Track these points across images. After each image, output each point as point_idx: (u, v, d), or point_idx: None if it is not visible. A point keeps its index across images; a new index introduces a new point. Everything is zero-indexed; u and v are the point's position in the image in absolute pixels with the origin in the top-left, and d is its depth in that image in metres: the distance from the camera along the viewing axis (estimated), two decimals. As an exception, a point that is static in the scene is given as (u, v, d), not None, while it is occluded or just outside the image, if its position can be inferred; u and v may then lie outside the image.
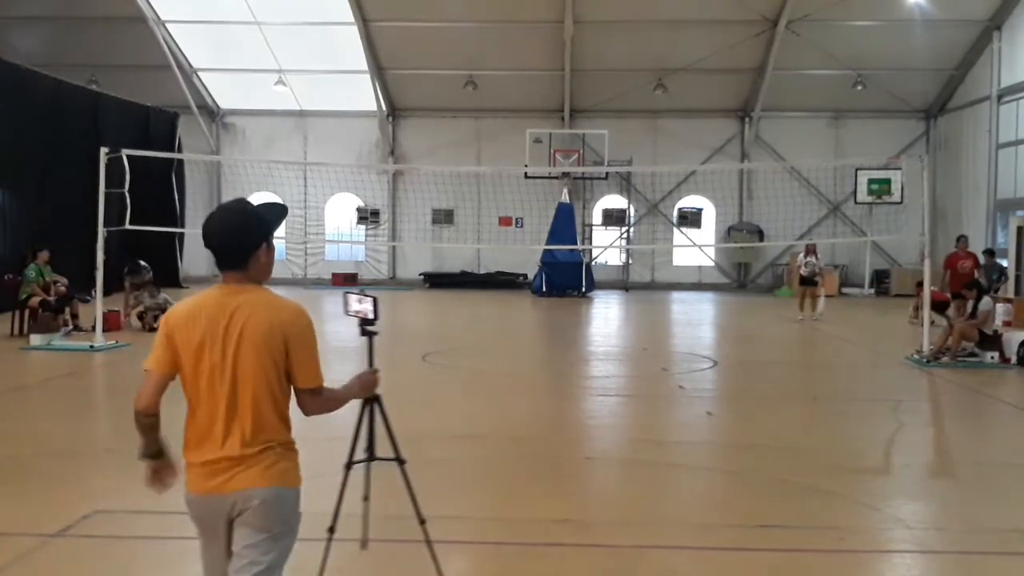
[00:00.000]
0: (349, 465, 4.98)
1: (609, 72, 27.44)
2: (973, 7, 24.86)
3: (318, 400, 3.63)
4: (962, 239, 18.50)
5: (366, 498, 5.14)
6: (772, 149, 28.68)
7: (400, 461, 4.95)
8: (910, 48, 25.70)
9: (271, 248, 3.57)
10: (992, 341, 13.74)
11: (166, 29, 27.01)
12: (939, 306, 18.39)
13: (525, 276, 28.39)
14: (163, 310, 16.49)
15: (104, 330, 14.77)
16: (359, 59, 27.00)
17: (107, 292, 15.58)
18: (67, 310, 15.79)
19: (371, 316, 4.75)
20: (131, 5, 25.29)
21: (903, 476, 8.04)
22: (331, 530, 4.92)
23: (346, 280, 29.00)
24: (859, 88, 26.87)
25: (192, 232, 27.79)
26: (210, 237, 3.50)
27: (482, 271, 29.39)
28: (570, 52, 26.38)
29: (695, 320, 21.74)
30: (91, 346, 14.10)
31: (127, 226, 15.28)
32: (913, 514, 6.81)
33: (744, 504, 6.91)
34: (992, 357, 13.62)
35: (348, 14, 25.52)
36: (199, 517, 3.71)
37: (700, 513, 6.84)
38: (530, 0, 25.38)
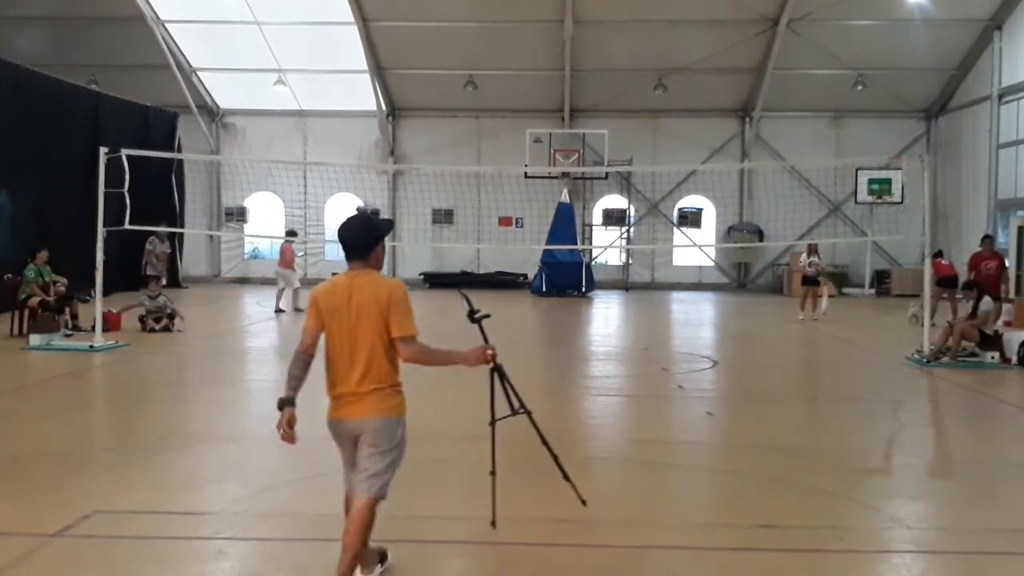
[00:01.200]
0: (493, 423, 5.85)
1: (609, 72, 27.45)
2: (973, 7, 24.86)
3: (412, 347, 4.88)
4: (987, 239, 17.98)
5: (492, 473, 5.84)
6: (772, 149, 28.67)
7: (528, 412, 5.88)
8: (910, 48, 25.70)
9: (383, 248, 4.97)
10: (992, 341, 13.74)
11: (166, 29, 27.01)
12: (948, 281, 18.44)
13: (525, 276, 28.39)
14: (163, 312, 16.49)
15: (104, 330, 14.76)
16: (359, 59, 27.00)
17: (107, 292, 15.57)
18: (67, 310, 15.80)
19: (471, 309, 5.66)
20: (131, 5, 25.29)
21: (903, 476, 8.04)
22: (492, 473, 5.85)
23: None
24: (859, 88, 26.86)
25: (192, 232, 27.87)
26: (345, 236, 4.93)
27: (482, 271, 29.39)
28: (570, 52, 26.38)
29: (695, 320, 21.74)
30: (91, 346, 14.10)
31: (127, 226, 15.26)
32: (913, 514, 6.81)
33: (744, 504, 6.91)
34: (992, 357, 13.62)
35: (348, 14, 25.52)
36: (335, 434, 5.08)
37: (700, 513, 6.83)
38: (530, 0, 25.38)
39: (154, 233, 17.70)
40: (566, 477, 5.94)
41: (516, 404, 5.80)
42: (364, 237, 4.95)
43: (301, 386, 5.11)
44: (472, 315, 5.61)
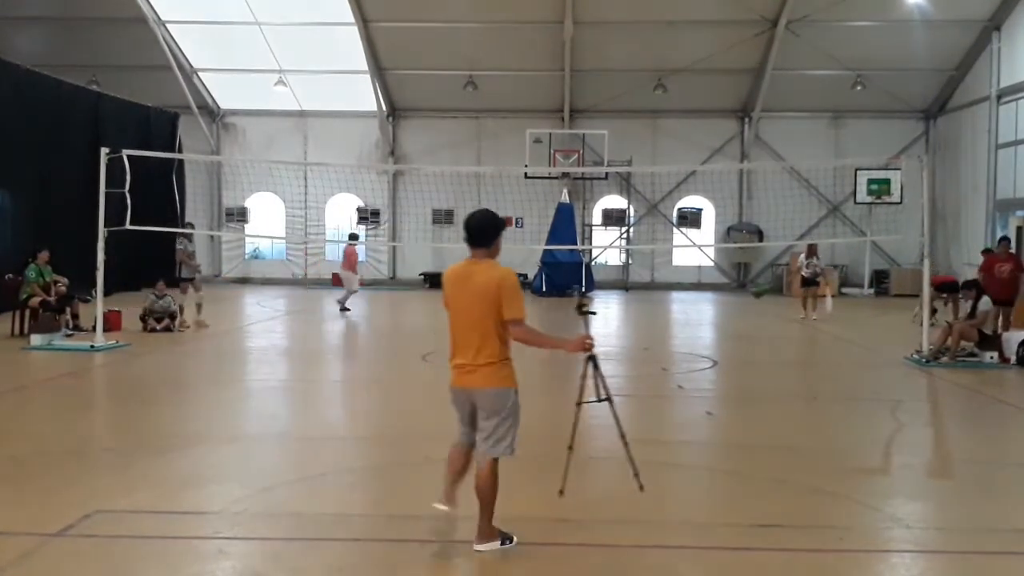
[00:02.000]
0: (579, 404, 6.52)
1: (609, 72, 27.46)
2: (972, 7, 24.87)
3: (520, 329, 5.50)
4: (1004, 241, 16.98)
5: (571, 447, 6.50)
6: (772, 149, 28.68)
7: (609, 400, 6.49)
8: (910, 48, 25.70)
9: (498, 243, 5.70)
10: (991, 341, 13.75)
11: (166, 29, 27.01)
12: (947, 287, 18.28)
13: (525, 276, 28.36)
14: (168, 313, 16.49)
15: (104, 330, 14.77)
16: (359, 59, 27.01)
17: (107, 292, 15.59)
18: (68, 310, 15.81)
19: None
20: (131, 5, 25.29)
21: (903, 476, 8.05)
22: (570, 448, 6.48)
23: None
24: (859, 88, 26.87)
25: (192, 233, 27.84)
26: (471, 227, 5.78)
27: (482, 271, 29.35)
28: (570, 52, 26.38)
29: (695, 320, 21.75)
30: (91, 346, 14.11)
31: (127, 226, 15.27)
32: (913, 514, 6.82)
33: (744, 504, 6.92)
34: (991, 357, 13.63)
35: (348, 14, 25.53)
36: (454, 401, 5.74)
37: (700, 513, 6.84)
38: (530, 0, 25.39)
39: (182, 234, 17.94)
40: (633, 468, 6.42)
41: (603, 393, 6.42)
42: (489, 228, 5.70)
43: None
44: (580, 308, 6.19)
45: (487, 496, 5.64)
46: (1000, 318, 14.54)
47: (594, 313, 6.26)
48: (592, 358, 6.24)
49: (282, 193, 29.88)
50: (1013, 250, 18.40)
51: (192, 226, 19.64)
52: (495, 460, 5.61)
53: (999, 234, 24.39)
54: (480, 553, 5.70)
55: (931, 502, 7.23)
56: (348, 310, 21.02)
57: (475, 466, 5.70)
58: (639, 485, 6.30)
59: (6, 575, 5.29)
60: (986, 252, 19.87)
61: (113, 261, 15.14)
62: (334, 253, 30.55)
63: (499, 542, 5.76)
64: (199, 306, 17.26)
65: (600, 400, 6.45)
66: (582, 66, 27.15)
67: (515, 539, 5.79)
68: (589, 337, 5.85)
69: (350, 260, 21.91)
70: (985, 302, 14.04)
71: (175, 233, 18.57)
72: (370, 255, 30.64)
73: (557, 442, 8.84)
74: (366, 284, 29.14)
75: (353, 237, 23.86)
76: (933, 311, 15.97)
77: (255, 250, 31.32)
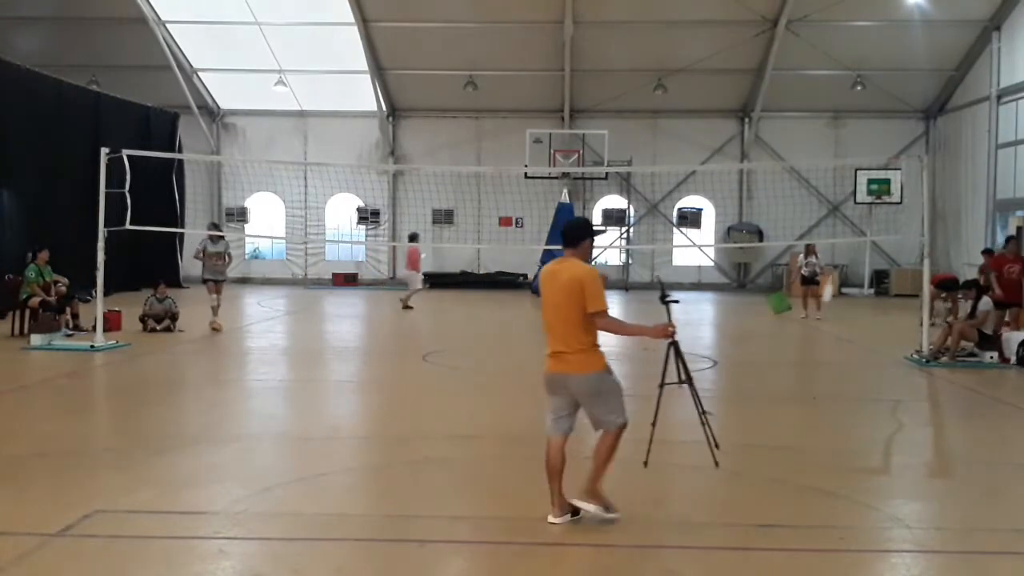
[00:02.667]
0: (661, 385, 7.31)
1: (609, 72, 27.45)
2: (972, 7, 24.87)
3: (603, 320, 6.08)
4: (1012, 240, 16.24)
5: (703, 416, 7.22)
6: (772, 149, 28.69)
7: (690, 382, 7.23)
8: (910, 48, 25.70)
9: (592, 244, 6.32)
10: (991, 341, 13.75)
11: (166, 29, 27.01)
12: (947, 285, 18.19)
13: (525, 276, 28.38)
14: (168, 315, 16.48)
15: (104, 330, 14.77)
16: (359, 59, 27.01)
17: (107, 292, 15.58)
18: (67, 310, 15.81)
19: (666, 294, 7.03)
20: (132, 5, 25.29)
21: (903, 476, 8.05)
22: (653, 424, 7.14)
23: (346, 280, 29.01)
24: (859, 88, 26.87)
25: (192, 232, 27.86)
26: (564, 230, 6.26)
27: (482, 271, 29.40)
28: (570, 52, 26.39)
29: (695, 320, 21.72)
30: (91, 346, 14.11)
31: (127, 226, 15.27)
32: (913, 514, 6.82)
33: (744, 504, 6.92)
34: (991, 357, 13.63)
35: (348, 14, 25.53)
36: (547, 385, 6.27)
37: (700, 513, 6.84)
38: (530, 0, 25.39)
39: (209, 235, 17.55)
40: (711, 446, 7.15)
41: (683, 376, 7.16)
42: (576, 232, 6.27)
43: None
44: (663, 298, 6.88)
45: (602, 459, 6.15)
46: (1006, 319, 14.43)
47: (676, 301, 6.93)
48: (674, 344, 7.00)
49: (282, 193, 29.89)
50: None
51: (217, 227, 18.87)
52: (618, 430, 6.15)
53: (999, 234, 24.40)
54: (578, 506, 6.12)
55: (931, 502, 7.23)
56: (411, 308, 21.30)
57: (599, 443, 6.22)
58: (715, 462, 7.14)
59: (6, 575, 5.28)
60: (986, 252, 19.86)
61: (113, 261, 15.13)
62: (334, 253, 30.60)
63: (604, 508, 6.15)
64: (213, 308, 16.78)
65: (681, 383, 7.18)
66: (582, 66, 27.15)
67: (618, 515, 6.18)
68: (671, 324, 6.55)
69: (412, 260, 22.15)
70: (985, 302, 14.03)
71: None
72: (370, 255, 30.65)
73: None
74: (366, 284, 29.21)
75: (413, 237, 23.82)
76: (943, 311, 15.97)
77: (255, 250, 31.32)
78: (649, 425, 7.03)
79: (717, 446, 7.16)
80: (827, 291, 20.35)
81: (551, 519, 6.12)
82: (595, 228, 6.45)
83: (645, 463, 7.03)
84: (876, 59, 26.28)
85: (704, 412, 7.20)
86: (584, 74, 27.52)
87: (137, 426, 9.46)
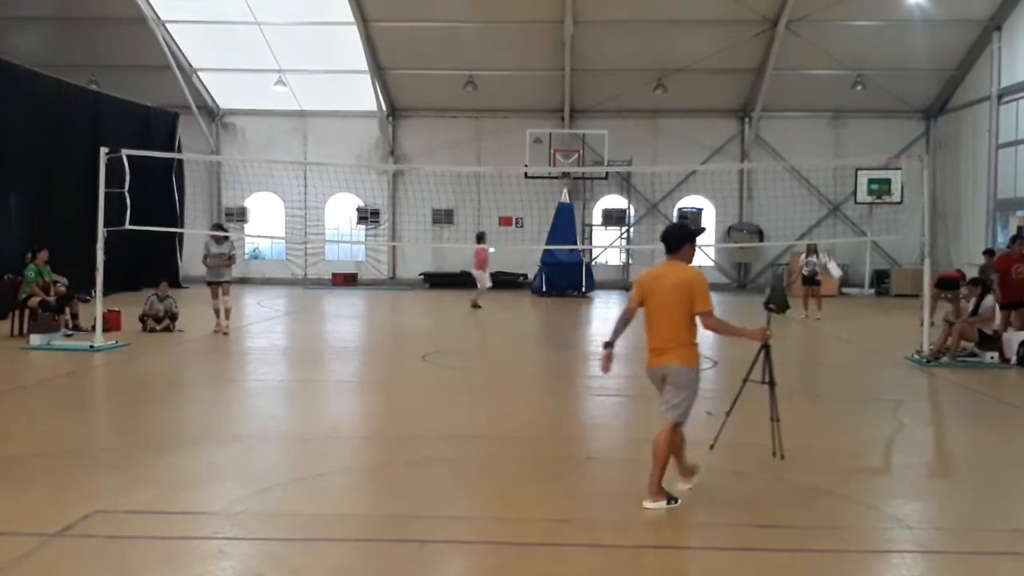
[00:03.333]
0: (745, 380, 8.07)
1: (609, 72, 27.45)
2: (973, 7, 24.87)
3: (709, 320, 6.54)
4: (1018, 240, 15.83)
5: (775, 420, 7.88)
6: (772, 149, 28.69)
7: (772, 384, 7.88)
8: (910, 48, 25.71)
9: (693, 246, 6.73)
10: (992, 341, 13.74)
11: (166, 29, 27.01)
12: (948, 283, 18.13)
13: (525, 276, 28.39)
14: (169, 315, 16.47)
15: (104, 330, 14.77)
16: (359, 59, 27.01)
17: (107, 292, 15.57)
18: (67, 310, 15.80)
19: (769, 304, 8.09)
20: (131, 5, 25.30)
21: (903, 476, 8.05)
22: (727, 413, 8.09)
23: (346, 280, 29.00)
24: (859, 88, 26.88)
25: (192, 232, 27.87)
26: (664, 237, 6.77)
27: (482, 271, 29.37)
28: (570, 52, 26.39)
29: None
30: (91, 346, 14.11)
31: (127, 226, 15.26)
32: (913, 514, 6.82)
33: (744, 504, 6.91)
34: (992, 357, 13.62)
35: (348, 14, 25.53)
36: (650, 377, 6.80)
37: (700, 513, 6.83)
38: (530, 0, 25.39)
39: (211, 235, 16.98)
40: (777, 445, 7.81)
41: (768, 378, 7.86)
42: (676, 238, 6.73)
43: (619, 336, 6.98)
44: (767, 304, 8.01)
45: (661, 455, 6.56)
46: (1012, 320, 14.38)
47: (779, 312, 8.11)
48: (766, 347, 7.77)
49: (282, 193, 29.89)
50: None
51: (221, 227, 17.86)
52: (674, 425, 6.59)
53: (999, 234, 24.41)
54: (648, 510, 6.50)
55: (931, 502, 7.22)
56: (479, 307, 21.45)
57: (658, 433, 6.62)
58: (781, 455, 7.74)
59: (6, 575, 5.28)
60: (987, 253, 19.86)
61: (112, 261, 15.12)
62: (334, 253, 30.60)
63: (665, 501, 6.57)
64: (224, 311, 16.33)
65: (764, 383, 7.90)
66: (582, 66, 27.15)
67: (679, 500, 6.65)
68: (768, 330, 7.32)
69: (480, 259, 22.36)
70: (989, 300, 14.01)
71: (210, 234, 17.50)
72: (370, 255, 30.64)
73: (555, 445, 8.87)
74: (366, 284, 29.20)
75: (480, 237, 23.71)
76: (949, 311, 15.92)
77: (255, 250, 31.34)
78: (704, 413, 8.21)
79: (782, 455, 7.79)
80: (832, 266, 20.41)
81: (681, 487, 6.84)
82: (693, 230, 6.91)
83: (711, 446, 7.91)
84: (876, 59, 26.28)
85: (777, 419, 7.83)
86: (584, 74, 27.52)
87: (137, 426, 9.46)
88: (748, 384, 8.06)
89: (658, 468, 6.55)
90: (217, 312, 16.33)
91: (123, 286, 21.73)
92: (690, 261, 6.74)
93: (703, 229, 7.03)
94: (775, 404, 7.78)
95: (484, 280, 22.20)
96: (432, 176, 28.32)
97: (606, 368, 7.09)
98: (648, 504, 6.52)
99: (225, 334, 16.14)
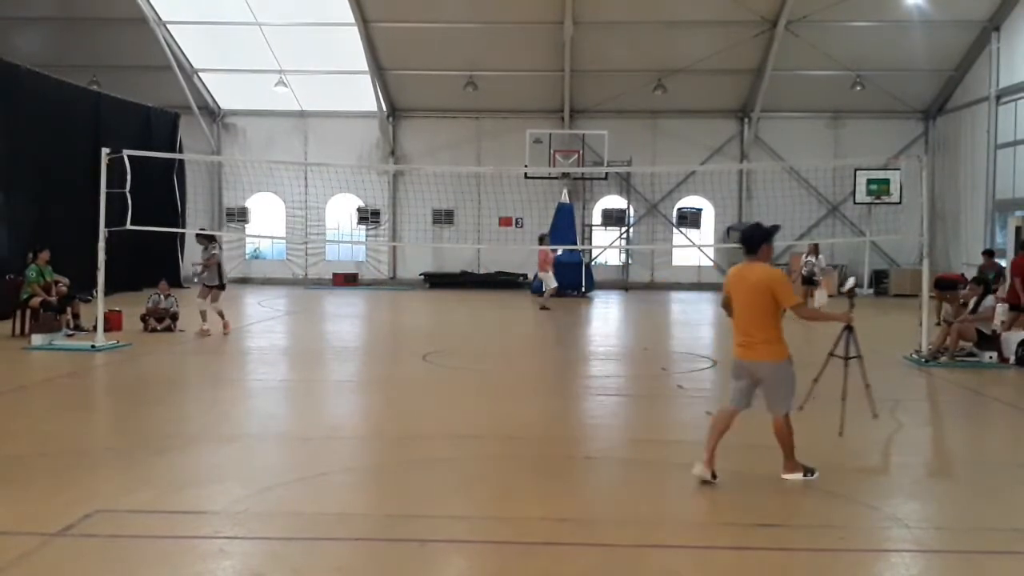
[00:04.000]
0: (830, 355, 9.17)
1: (609, 72, 27.47)
2: (971, 8, 24.88)
3: (800, 310, 7.29)
4: None
5: (868, 385, 9.03)
6: (771, 149, 28.71)
7: (860, 359, 9.03)
8: (909, 49, 25.72)
9: (770, 247, 7.17)
10: (990, 341, 13.76)
11: (167, 30, 27.02)
12: (945, 284, 18.13)
13: (525, 276, 28.41)
14: (169, 314, 16.48)
15: (105, 330, 14.78)
16: (359, 59, 27.02)
17: (108, 292, 15.59)
18: (68, 310, 15.82)
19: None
20: (132, 6, 25.31)
21: (902, 476, 8.06)
22: (843, 399, 8.85)
23: (346, 280, 29.02)
24: (858, 89, 26.89)
25: (193, 232, 27.88)
26: (742, 238, 7.23)
27: (482, 271, 29.42)
28: (570, 52, 26.40)
29: (695, 320, 21.76)
30: (92, 346, 14.13)
31: (128, 226, 15.28)
32: (912, 513, 6.83)
33: (744, 504, 6.93)
34: (991, 357, 13.64)
35: (348, 14, 25.54)
36: (734, 369, 7.28)
37: (700, 513, 6.86)
38: (530, 0, 25.40)
39: (203, 238, 16.81)
40: (872, 406, 9.08)
41: (856, 352, 8.96)
42: (753, 239, 7.15)
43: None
44: (851, 292, 9.15)
45: (784, 440, 7.20)
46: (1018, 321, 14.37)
47: (856, 293, 9.32)
48: (850, 328, 8.89)
49: (282, 193, 29.90)
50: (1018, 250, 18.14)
51: (211, 239, 17.11)
52: (785, 415, 7.15)
53: (998, 234, 24.43)
54: (785, 481, 7.17)
55: (931, 502, 7.24)
56: (548, 309, 21.64)
57: (774, 427, 7.24)
58: (875, 415, 9.06)
59: (7, 575, 5.30)
60: (987, 253, 19.88)
61: (114, 261, 15.13)
62: (334, 253, 30.61)
63: (802, 473, 7.21)
64: (206, 312, 16.29)
65: (849, 358, 8.97)
66: (582, 66, 27.16)
67: (817, 472, 7.23)
68: (851, 315, 8.47)
69: (544, 260, 22.57)
70: (989, 300, 14.03)
71: (200, 236, 17.31)
72: (370, 255, 30.66)
73: (555, 445, 8.88)
74: (366, 284, 29.21)
75: (543, 239, 23.85)
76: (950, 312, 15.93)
77: (255, 250, 31.36)
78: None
79: (876, 415, 9.23)
80: (819, 295, 20.25)
81: (696, 471, 7.13)
82: (768, 230, 7.30)
83: (840, 432, 8.65)
84: (876, 59, 26.30)
85: (867, 384, 9.01)
86: (584, 74, 27.53)
87: (137, 426, 9.48)
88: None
89: (787, 449, 7.20)
90: (202, 314, 16.28)
91: (124, 286, 21.74)
92: (768, 260, 7.19)
93: (778, 227, 7.53)
94: (865, 372, 9.01)
95: (550, 281, 22.41)
96: (432, 176, 28.34)
97: None
98: (785, 476, 7.21)
99: (206, 334, 16.03)
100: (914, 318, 19.07)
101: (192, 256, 28.46)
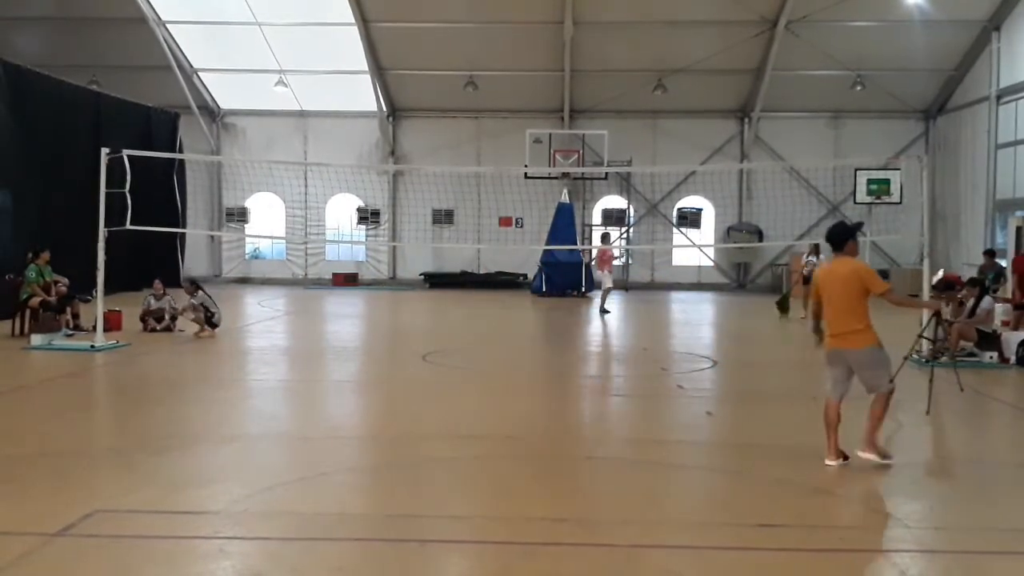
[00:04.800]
0: (920, 336, 11.14)
1: (609, 72, 27.46)
2: (972, 7, 24.87)
3: (892, 296, 7.97)
4: None
5: (906, 358, 10.53)
6: (771, 149, 28.70)
7: (946, 339, 10.76)
8: (909, 49, 25.70)
9: (855, 242, 7.84)
10: (991, 341, 13.75)
11: (167, 29, 27.01)
12: (940, 286, 18.06)
13: (525, 276, 28.40)
14: (167, 315, 16.48)
15: (105, 330, 14.78)
16: (359, 59, 27.01)
17: (108, 292, 15.59)
18: (68, 310, 15.82)
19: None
20: (132, 6, 25.30)
21: (903, 476, 8.05)
22: (905, 358, 10.47)
23: (346, 280, 29.02)
24: (858, 88, 26.88)
25: (193, 232, 27.89)
26: (829, 237, 7.91)
27: (482, 271, 29.41)
28: (570, 52, 26.39)
29: (694, 320, 21.77)
30: (92, 346, 14.12)
31: (128, 226, 15.27)
32: (912, 513, 6.83)
33: (744, 504, 6.93)
34: (991, 357, 13.63)
35: (348, 14, 25.53)
36: (829, 358, 7.88)
37: (700, 513, 6.86)
38: (530, 0, 25.39)
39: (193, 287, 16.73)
40: (958, 381, 10.61)
41: (944, 334, 10.68)
42: (839, 236, 7.85)
43: (819, 322, 7.99)
44: (939, 287, 10.03)
45: (877, 416, 7.75)
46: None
47: (947, 287, 11.43)
48: (938, 314, 10.68)
49: (282, 193, 29.90)
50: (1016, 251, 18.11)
51: (197, 287, 16.61)
52: (888, 393, 7.75)
53: (999, 234, 24.41)
54: (861, 458, 7.67)
55: (931, 502, 7.24)
56: (608, 312, 21.18)
57: (873, 402, 7.79)
58: (961, 388, 10.52)
59: (6, 575, 5.29)
60: (987, 253, 19.88)
61: (114, 261, 15.12)
62: (334, 253, 30.61)
63: (879, 457, 7.68)
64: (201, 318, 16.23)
65: (935, 340, 10.87)
66: (582, 66, 27.16)
67: (892, 459, 7.75)
68: (939, 303, 10.45)
69: (605, 259, 22.15)
70: (987, 301, 14.01)
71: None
72: (370, 255, 30.66)
73: (555, 445, 8.88)
74: (366, 284, 29.21)
75: (605, 238, 23.52)
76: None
77: (255, 250, 31.35)
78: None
79: (962, 388, 10.42)
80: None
81: (827, 462, 7.68)
82: (851, 227, 8.02)
83: (927, 411, 9.86)
84: (876, 59, 26.28)
85: (954, 358, 10.62)
86: (584, 74, 27.52)
87: (138, 426, 9.48)
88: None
89: (873, 427, 7.71)
90: (197, 320, 16.19)
91: (124, 286, 21.72)
92: (855, 255, 7.82)
93: (861, 224, 8.07)
94: (954, 356, 10.91)
95: (607, 280, 21.93)
96: (432, 176, 28.34)
97: (819, 345, 8.17)
98: (862, 454, 7.70)
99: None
100: (914, 318, 19.06)
101: (193, 256, 28.56)
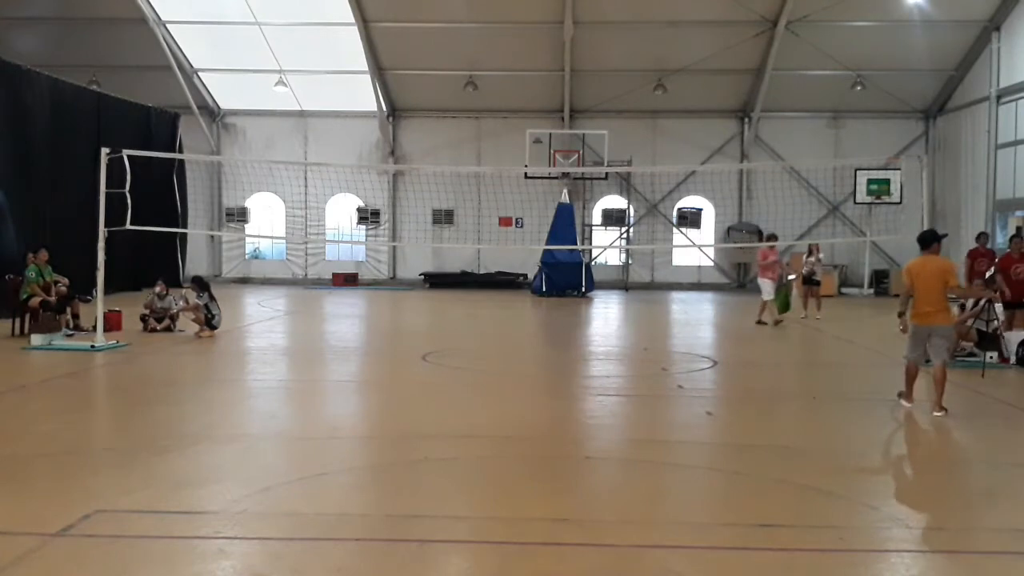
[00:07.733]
0: (964, 320, 13.40)
1: (609, 72, 27.47)
2: (972, 8, 24.89)
3: (958, 291, 10.86)
4: (1015, 239, 15.30)
5: (1000, 335, 13.27)
6: (771, 149, 28.71)
7: (997, 319, 13.37)
8: (909, 49, 25.73)
9: (940, 244, 10.35)
10: (991, 341, 13.74)
11: (167, 30, 27.03)
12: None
13: (525, 276, 28.42)
14: (168, 314, 16.47)
15: (105, 330, 14.77)
16: (359, 59, 27.03)
17: (108, 292, 15.58)
18: (68, 310, 15.81)
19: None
20: (132, 6, 25.32)
21: (902, 476, 8.06)
22: (960, 344, 13.09)
23: (346, 280, 29.03)
24: (858, 88, 26.91)
25: (193, 232, 27.90)
26: (920, 239, 10.27)
27: (482, 271, 29.43)
28: (570, 52, 26.40)
29: (695, 320, 21.76)
30: (92, 346, 14.11)
31: (128, 226, 15.27)
32: (912, 514, 6.83)
33: (744, 504, 6.93)
34: (991, 357, 13.62)
35: (348, 14, 25.55)
36: (914, 334, 10.20)
37: (700, 513, 6.85)
38: (530, 0, 25.41)
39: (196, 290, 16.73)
40: (1002, 351, 13.25)
41: (995, 316, 13.30)
42: (928, 240, 10.19)
43: (905, 307, 10.27)
44: (990, 281, 12.35)
45: (940, 384, 9.92)
46: (1014, 321, 14.35)
47: (993, 281, 13.50)
48: (990, 301, 13.15)
49: (282, 193, 29.92)
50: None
51: (204, 287, 16.48)
52: (943, 363, 9.98)
53: (999, 234, 24.40)
54: (937, 416, 9.75)
55: (931, 502, 7.23)
56: (764, 323, 18.62)
57: (935, 371, 10.06)
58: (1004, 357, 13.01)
59: (6, 575, 5.29)
60: (973, 252, 19.75)
61: (114, 261, 15.12)
62: (334, 253, 30.62)
63: (945, 412, 9.80)
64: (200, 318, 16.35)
65: (989, 320, 13.11)
66: (582, 66, 27.17)
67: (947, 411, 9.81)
68: (991, 291, 13.00)
69: (766, 266, 18.86)
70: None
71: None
72: (370, 255, 30.67)
73: (555, 444, 8.88)
74: (366, 284, 29.19)
75: (771, 237, 20.59)
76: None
77: (255, 250, 31.36)
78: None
79: (1006, 359, 12.89)
80: (792, 278, 19.85)
81: (904, 403, 10.28)
82: (939, 235, 10.36)
83: (983, 375, 12.10)
84: (876, 59, 26.30)
85: (1000, 334, 13.01)
86: (584, 74, 27.53)
87: (137, 426, 9.47)
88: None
89: (940, 394, 9.87)
90: (197, 320, 16.25)
91: (124, 286, 21.75)
92: (939, 254, 10.20)
93: (946, 234, 10.04)
94: (1002, 327, 13.13)
95: (766, 290, 18.68)
96: (432, 176, 28.36)
97: (905, 330, 10.34)
98: (936, 413, 9.80)
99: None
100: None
101: (193, 256, 28.55)
